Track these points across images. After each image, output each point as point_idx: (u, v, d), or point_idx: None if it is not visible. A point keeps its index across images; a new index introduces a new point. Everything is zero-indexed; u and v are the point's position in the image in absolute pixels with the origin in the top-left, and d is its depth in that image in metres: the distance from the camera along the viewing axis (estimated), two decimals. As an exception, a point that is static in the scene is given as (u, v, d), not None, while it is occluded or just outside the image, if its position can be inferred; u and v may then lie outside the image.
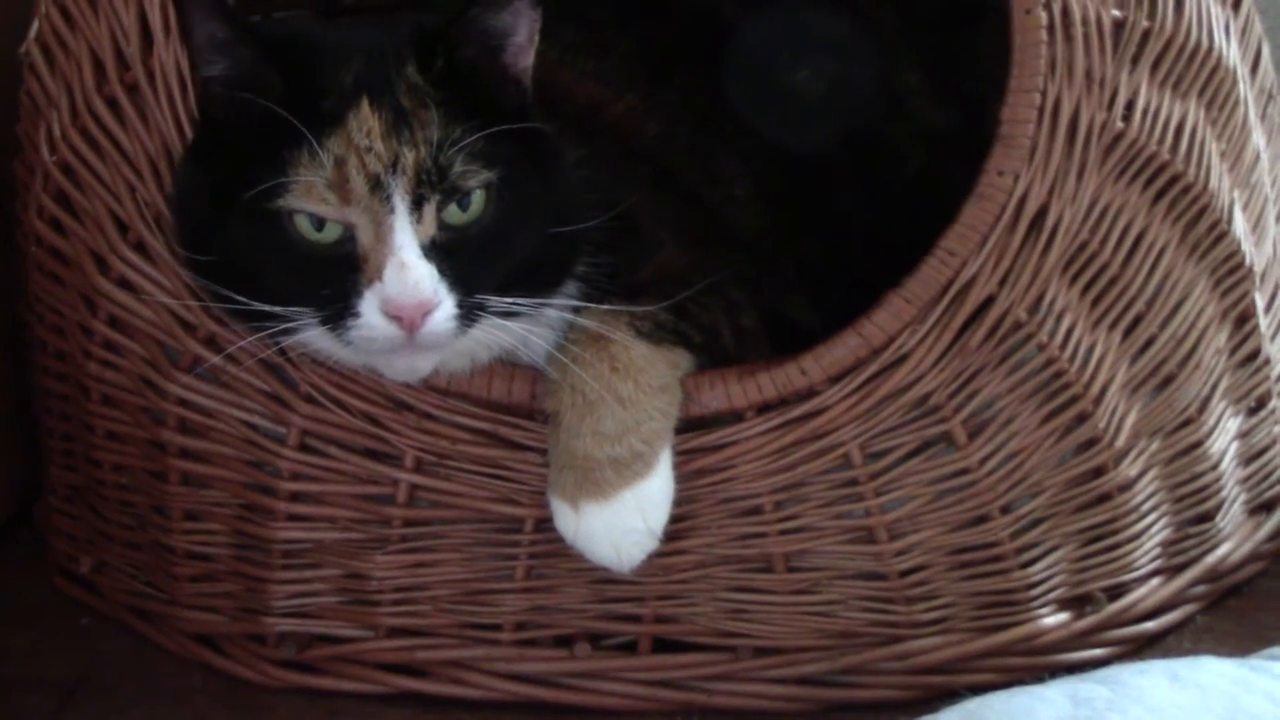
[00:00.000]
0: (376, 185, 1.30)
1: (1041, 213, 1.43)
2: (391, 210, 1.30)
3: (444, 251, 1.31)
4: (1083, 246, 1.45)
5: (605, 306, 1.40)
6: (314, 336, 1.35)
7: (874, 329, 1.43)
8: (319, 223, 1.31)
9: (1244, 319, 1.61)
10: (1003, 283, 1.43)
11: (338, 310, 1.31)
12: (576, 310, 1.41)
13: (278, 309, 1.32)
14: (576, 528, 1.41)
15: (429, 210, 1.31)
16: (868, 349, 1.43)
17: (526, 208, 1.35)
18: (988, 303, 1.44)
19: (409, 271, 1.29)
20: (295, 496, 1.49)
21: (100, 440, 1.58)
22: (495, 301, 1.33)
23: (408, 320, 1.29)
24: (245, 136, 1.33)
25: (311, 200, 1.30)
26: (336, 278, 1.31)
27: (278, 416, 1.48)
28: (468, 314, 1.32)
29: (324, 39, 1.38)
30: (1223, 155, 1.56)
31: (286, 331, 1.34)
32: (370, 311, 1.30)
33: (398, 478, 1.47)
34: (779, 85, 1.68)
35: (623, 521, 1.40)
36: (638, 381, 1.39)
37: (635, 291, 1.43)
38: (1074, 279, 1.46)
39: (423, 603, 1.51)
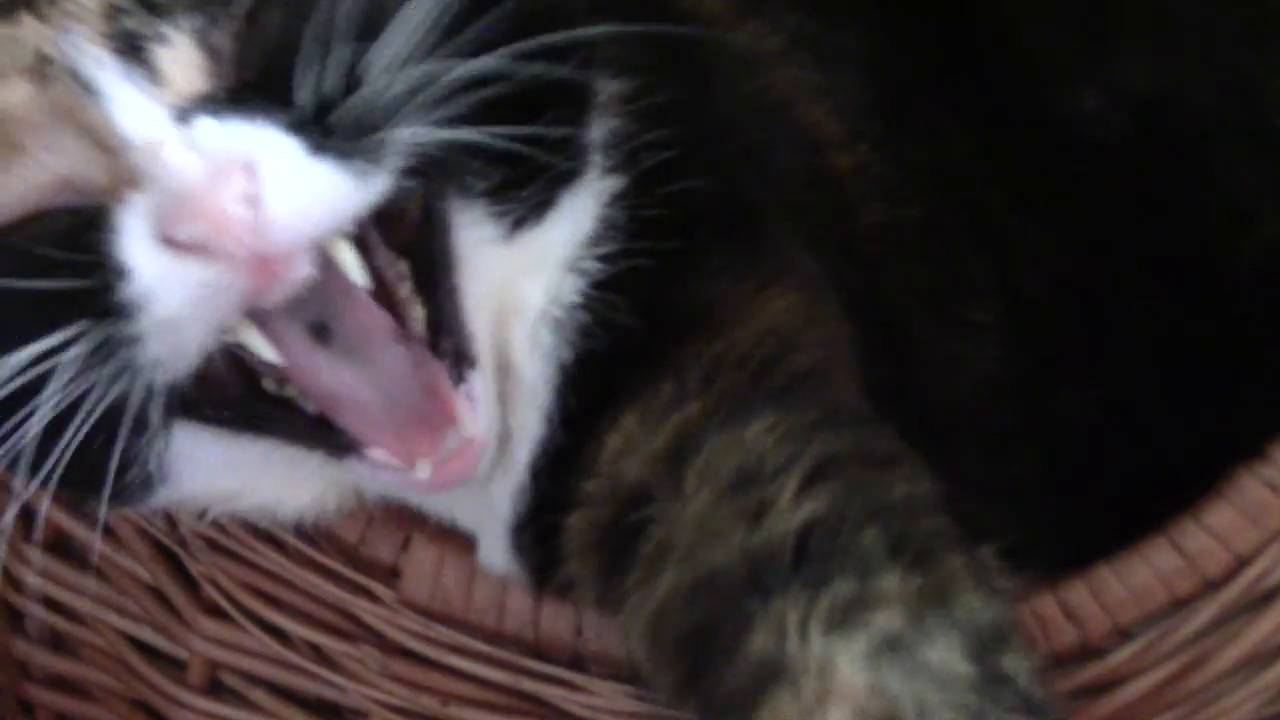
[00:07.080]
0: None
1: None
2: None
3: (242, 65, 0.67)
4: None
5: None
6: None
7: (1203, 539, 0.74)
8: None
9: None
10: None
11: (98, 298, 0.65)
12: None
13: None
14: None
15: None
16: (1197, 579, 0.75)
17: None
18: None
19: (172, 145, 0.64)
20: (204, 774, 0.89)
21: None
22: (413, 131, 0.66)
23: (222, 230, 0.62)
24: None
25: None
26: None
27: (171, 633, 0.88)
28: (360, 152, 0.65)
29: None
30: None
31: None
32: (139, 253, 0.64)
33: (362, 758, 0.86)
34: (1047, 117, 1.00)
35: None
36: None
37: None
38: None
39: None
